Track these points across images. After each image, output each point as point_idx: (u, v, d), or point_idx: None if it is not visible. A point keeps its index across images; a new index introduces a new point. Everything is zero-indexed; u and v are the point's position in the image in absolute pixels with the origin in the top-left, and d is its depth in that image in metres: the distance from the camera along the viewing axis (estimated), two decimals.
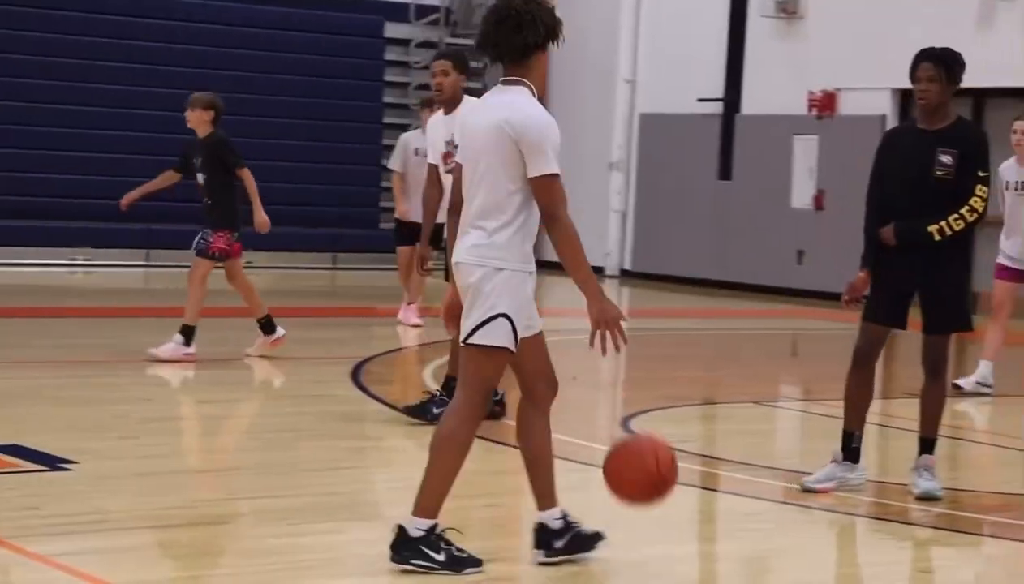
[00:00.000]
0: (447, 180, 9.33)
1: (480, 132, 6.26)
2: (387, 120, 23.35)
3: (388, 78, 23.67)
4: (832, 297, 19.96)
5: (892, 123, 19.63)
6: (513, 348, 6.19)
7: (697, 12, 21.56)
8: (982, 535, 7.47)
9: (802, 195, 20.44)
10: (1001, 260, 12.02)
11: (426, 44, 24.11)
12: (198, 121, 11.74)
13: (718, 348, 15.50)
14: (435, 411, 9.33)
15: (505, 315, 6.15)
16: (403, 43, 24.05)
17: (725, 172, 21.33)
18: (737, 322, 17.85)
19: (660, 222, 21.91)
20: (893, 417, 11.18)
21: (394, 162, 14.79)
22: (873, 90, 19.67)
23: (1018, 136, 11.87)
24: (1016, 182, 11.90)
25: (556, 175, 6.18)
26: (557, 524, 6.43)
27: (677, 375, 12.79)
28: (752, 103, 21.14)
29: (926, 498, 7.93)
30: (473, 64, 10.16)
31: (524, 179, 6.17)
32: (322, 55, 22.54)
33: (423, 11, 24.08)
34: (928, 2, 18.99)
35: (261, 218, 11.74)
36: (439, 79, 9.72)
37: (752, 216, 20.90)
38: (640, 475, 6.27)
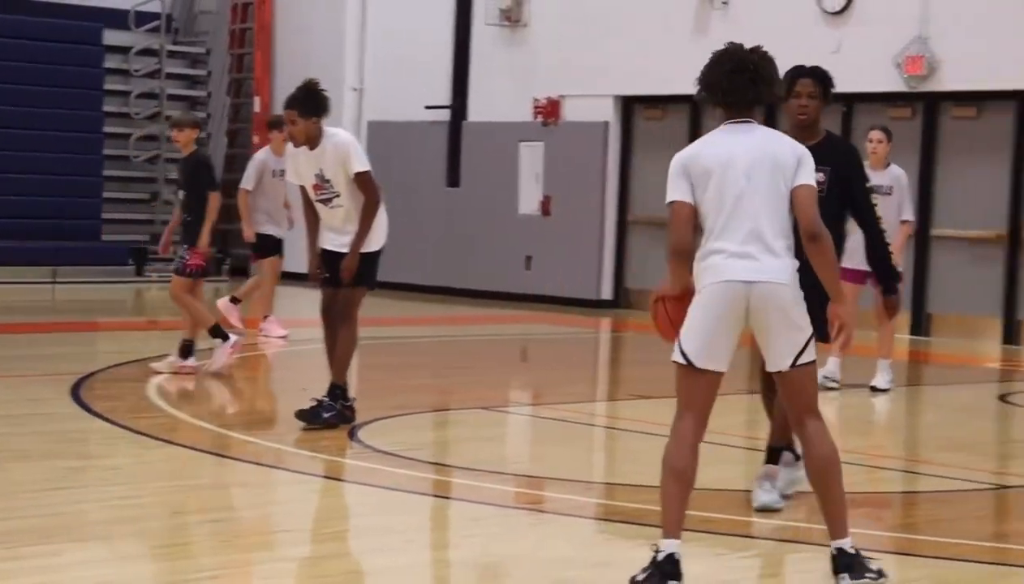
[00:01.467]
0: (321, 211, 10.04)
1: (750, 164, 6.35)
2: (108, 129, 22.86)
3: (108, 87, 23.16)
4: (560, 301, 20.31)
5: (615, 130, 19.95)
6: None
7: (422, 20, 21.59)
8: (701, 531, 7.57)
9: (529, 201, 20.62)
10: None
11: (147, 52, 23.71)
12: (187, 140, 12.22)
13: (449, 355, 15.51)
14: (325, 416, 9.75)
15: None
16: (123, 50, 23.57)
17: (453, 179, 21.40)
18: (468, 329, 17.90)
19: (390, 230, 21.81)
20: (620, 418, 11.33)
21: (247, 182, 15.01)
22: (596, 97, 19.95)
23: (874, 144, 12.57)
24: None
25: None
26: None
27: (408, 383, 12.75)
28: (479, 110, 21.25)
29: (764, 510, 8.01)
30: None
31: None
32: (39, 63, 21.96)
33: (143, 18, 23.64)
34: (647, 11, 19.31)
35: (203, 242, 12.02)
36: (289, 128, 10.04)
37: (481, 223, 21.01)
38: None
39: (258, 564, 6.87)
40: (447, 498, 8.44)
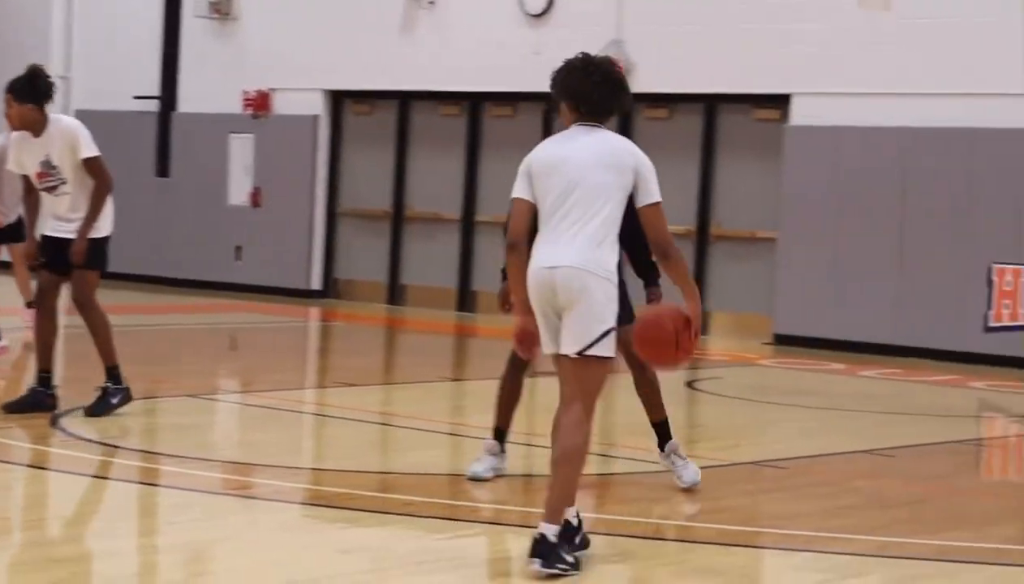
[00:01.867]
0: (45, 198, 9.83)
1: (587, 160, 6.53)
2: None
3: None
4: (270, 291, 20.16)
5: (325, 124, 19.89)
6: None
7: (131, 10, 21.19)
8: (402, 515, 7.62)
9: (239, 192, 20.42)
10: None
11: None
12: None
13: (157, 344, 15.27)
14: (113, 401, 9.81)
15: (614, 328, 6.45)
16: None
17: (163, 169, 21.06)
18: (177, 318, 17.65)
19: None
20: (327, 405, 11.31)
21: None
22: (306, 91, 19.85)
23: None
24: None
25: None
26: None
27: None
28: (188, 102, 20.96)
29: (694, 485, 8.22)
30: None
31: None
32: None
33: None
34: (357, 7, 19.29)
35: None
36: (6, 111, 9.81)
37: (191, 213, 20.73)
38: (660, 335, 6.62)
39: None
40: (153, 485, 8.31)
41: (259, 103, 20.14)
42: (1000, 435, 11.58)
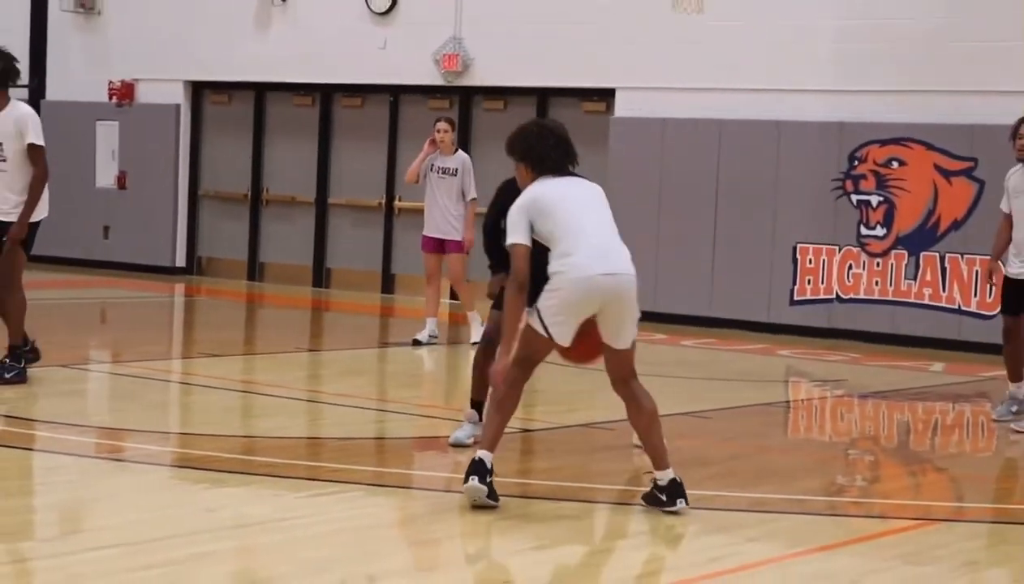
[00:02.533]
0: None
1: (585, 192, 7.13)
2: None
3: None
4: (137, 268, 19.88)
5: (186, 112, 19.65)
6: None
7: (0, 5, 20.71)
8: (263, 475, 7.60)
9: (106, 176, 20.10)
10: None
11: None
12: None
13: (31, 318, 14.92)
14: (7, 375, 9.77)
15: None
16: None
17: None
18: (48, 293, 17.30)
19: None
20: (193, 375, 11.21)
21: None
22: (168, 82, 19.59)
23: (441, 134, 13.11)
24: (439, 168, 13.16)
25: None
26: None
27: None
28: (57, 90, 20.56)
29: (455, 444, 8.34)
30: None
31: None
32: None
33: None
34: (213, 4, 19.08)
35: None
36: None
37: (61, 195, 20.26)
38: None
39: None
40: (27, 449, 8.18)
41: (123, 93, 19.82)
42: (804, 398, 11.83)
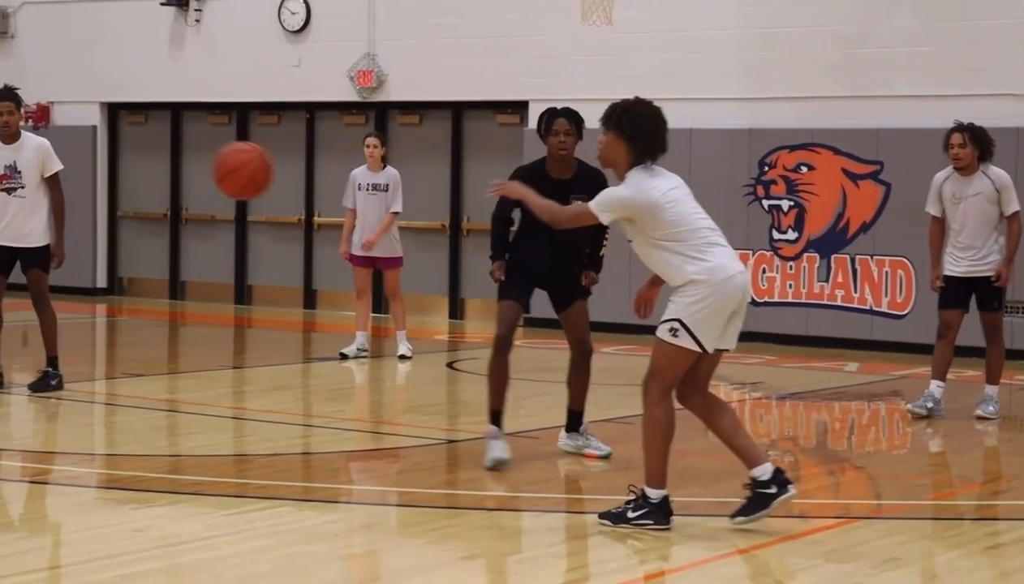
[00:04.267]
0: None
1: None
2: None
3: None
4: (57, 290, 19.52)
5: (102, 133, 19.47)
6: None
7: None
8: (191, 494, 7.52)
9: None
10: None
11: None
12: None
13: None
14: (53, 383, 10.57)
15: None
16: None
17: None
18: None
19: None
20: (117, 395, 11.07)
21: None
22: (83, 104, 19.39)
23: (370, 149, 13.07)
24: (368, 184, 13.09)
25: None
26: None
27: None
28: None
29: (494, 464, 8.06)
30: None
31: None
32: None
33: None
34: (128, 24, 18.91)
35: None
36: (5, 118, 10.40)
37: None
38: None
39: None
40: None
41: (39, 115, 19.59)
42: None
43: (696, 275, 6.63)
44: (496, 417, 8.24)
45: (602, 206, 6.75)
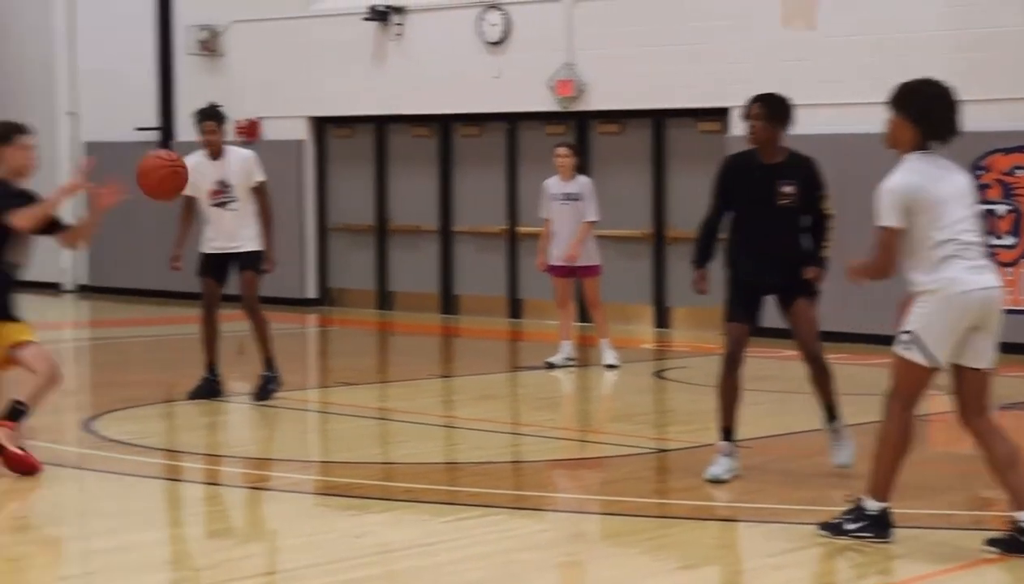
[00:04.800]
0: (214, 213, 10.81)
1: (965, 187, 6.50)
2: None
3: None
4: (268, 301, 19.87)
5: (310, 147, 19.84)
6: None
7: (129, 51, 21.02)
8: (405, 501, 7.58)
9: None
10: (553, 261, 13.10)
11: None
12: None
13: (172, 352, 15.16)
14: (270, 387, 10.79)
15: None
16: None
17: None
18: (188, 328, 17.49)
19: (113, 239, 21.25)
20: (330, 403, 11.26)
21: None
22: (291, 118, 19.79)
23: (561, 158, 13.09)
24: (561, 194, 13.08)
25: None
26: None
27: (135, 378, 12.44)
28: (186, 131, 20.79)
29: (712, 480, 7.88)
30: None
31: None
32: None
33: None
34: (331, 42, 19.24)
35: None
36: (211, 136, 10.79)
37: (193, 231, 20.53)
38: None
39: (5, 547, 6.64)
40: (175, 480, 8.25)
41: (249, 131, 20.05)
42: (940, 410, 11.58)
43: (928, 285, 6.37)
44: (727, 433, 8.07)
45: (879, 215, 6.45)
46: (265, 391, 10.79)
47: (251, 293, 10.92)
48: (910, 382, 6.42)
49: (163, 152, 8.85)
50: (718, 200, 8.25)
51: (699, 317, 16.89)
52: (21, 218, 7.86)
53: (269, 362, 10.90)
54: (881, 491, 6.52)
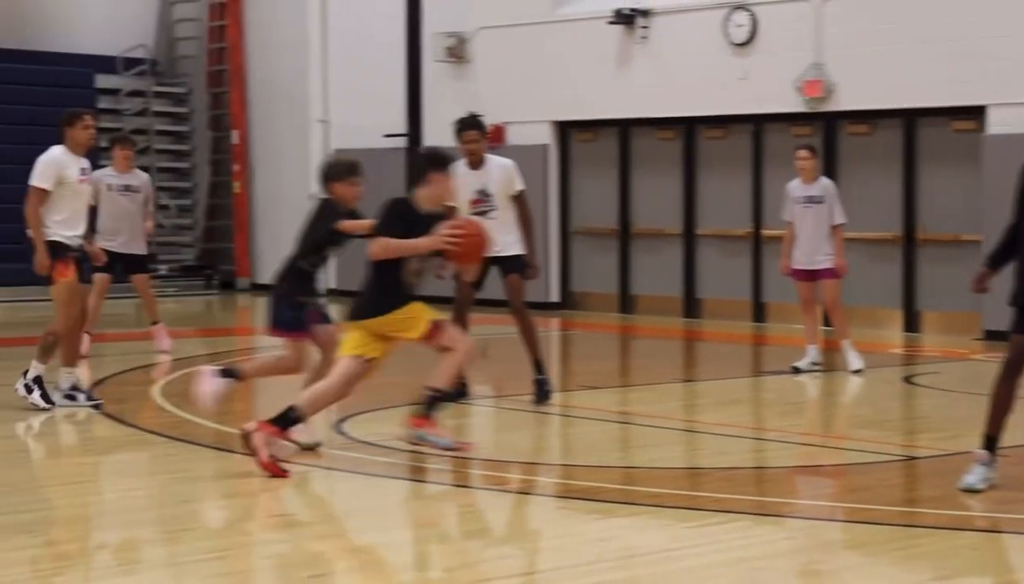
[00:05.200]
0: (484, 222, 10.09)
1: None
2: (103, 163, 22.64)
3: (102, 125, 22.93)
4: (499, 304, 20.14)
5: (554, 151, 19.96)
6: None
7: (378, 59, 21.50)
8: (649, 505, 7.54)
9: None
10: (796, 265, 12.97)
11: (136, 93, 23.60)
12: None
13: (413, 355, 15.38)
14: (547, 389, 10.88)
15: None
16: (113, 92, 23.43)
17: None
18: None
19: (361, 246, 21.76)
20: (574, 407, 11.29)
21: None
22: (536, 123, 19.94)
23: (801, 161, 12.90)
24: (803, 197, 12.94)
25: None
26: None
27: (386, 380, 12.63)
28: (433, 137, 21.17)
29: (967, 490, 7.68)
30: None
31: None
32: (38, 105, 21.65)
33: (130, 63, 23.52)
34: (578, 45, 19.33)
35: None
36: (473, 145, 10.89)
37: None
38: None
39: (262, 545, 6.84)
40: (423, 482, 8.38)
41: (495, 135, 20.25)
42: None
43: None
44: (990, 442, 7.79)
45: None
46: (543, 393, 10.84)
47: (517, 296, 10.98)
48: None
49: (462, 229, 8.48)
50: (1017, 206, 7.98)
51: (950, 321, 16.45)
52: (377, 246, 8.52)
53: (539, 365, 10.95)
54: None
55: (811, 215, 12.82)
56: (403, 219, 8.44)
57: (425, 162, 8.78)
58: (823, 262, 12.82)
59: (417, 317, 8.38)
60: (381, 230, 8.48)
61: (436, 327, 8.41)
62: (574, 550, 6.56)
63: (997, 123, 15.93)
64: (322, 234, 8.88)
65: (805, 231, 12.83)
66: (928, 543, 6.78)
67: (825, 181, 13.10)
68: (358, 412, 10.19)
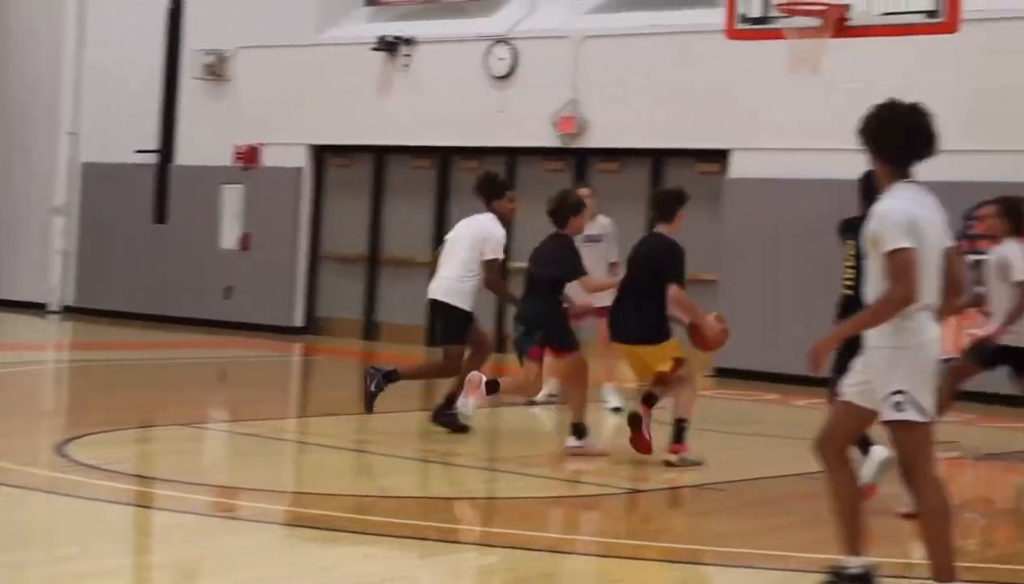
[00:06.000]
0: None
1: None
2: None
3: None
4: (255, 328, 20.04)
5: (308, 175, 19.90)
6: None
7: (134, 73, 21.11)
8: (359, 533, 7.56)
9: (230, 237, 20.35)
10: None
11: None
12: None
13: (154, 376, 15.17)
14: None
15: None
16: None
17: (160, 216, 20.97)
18: (172, 353, 17.55)
19: (102, 261, 21.32)
20: (308, 434, 11.25)
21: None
22: (291, 145, 19.85)
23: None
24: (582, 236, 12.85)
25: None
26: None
27: (114, 402, 12.42)
28: (184, 155, 20.90)
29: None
30: None
31: None
32: None
33: None
34: (338, 69, 19.33)
35: None
36: (510, 205, 11.31)
37: (185, 256, 20.64)
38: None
39: None
40: (146, 507, 8.23)
41: (248, 156, 20.11)
42: None
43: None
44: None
45: (891, 235, 6.17)
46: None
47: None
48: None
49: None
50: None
51: None
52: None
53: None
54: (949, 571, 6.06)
55: (591, 254, 12.61)
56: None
57: (675, 200, 8.83)
58: (604, 300, 12.68)
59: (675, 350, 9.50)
60: (680, 278, 9.53)
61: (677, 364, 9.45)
62: (297, 579, 6.52)
63: (739, 167, 16.45)
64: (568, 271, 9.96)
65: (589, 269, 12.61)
66: (644, 574, 6.93)
67: (604, 219, 13.06)
68: (83, 434, 9.97)
